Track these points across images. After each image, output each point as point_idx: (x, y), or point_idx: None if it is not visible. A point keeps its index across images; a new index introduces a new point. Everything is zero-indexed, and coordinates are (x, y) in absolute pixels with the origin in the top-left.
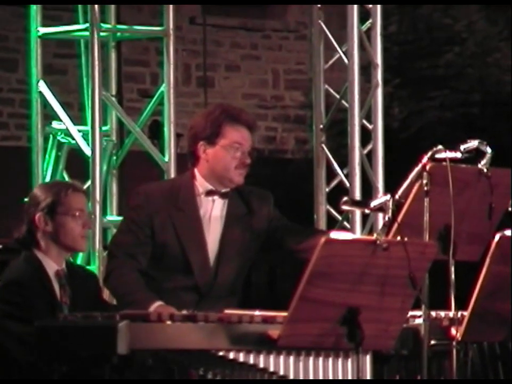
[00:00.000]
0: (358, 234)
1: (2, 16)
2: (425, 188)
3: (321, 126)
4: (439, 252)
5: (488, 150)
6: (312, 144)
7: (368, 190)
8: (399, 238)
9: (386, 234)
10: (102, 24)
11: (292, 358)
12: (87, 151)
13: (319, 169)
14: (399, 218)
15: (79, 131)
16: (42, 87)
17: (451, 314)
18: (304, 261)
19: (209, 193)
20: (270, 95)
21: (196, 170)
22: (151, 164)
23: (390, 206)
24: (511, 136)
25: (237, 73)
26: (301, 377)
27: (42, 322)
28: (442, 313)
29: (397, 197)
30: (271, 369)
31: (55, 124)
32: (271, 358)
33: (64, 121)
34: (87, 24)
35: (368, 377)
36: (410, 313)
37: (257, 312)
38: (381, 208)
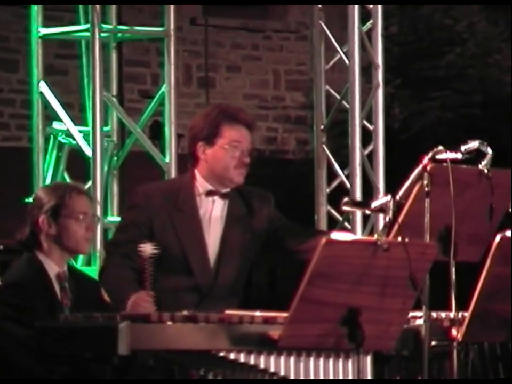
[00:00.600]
0: (358, 235)
1: (3, 16)
2: (426, 189)
3: (322, 127)
4: (439, 253)
5: (489, 150)
6: (313, 145)
7: (369, 190)
8: (399, 238)
9: (387, 235)
10: (103, 25)
11: (292, 359)
12: (88, 151)
13: (319, 169)
14: (400, 219)
15: (80, 131)
16: (43, 87)
17: (452, 315)
18: (304, 262)
19: (209, 193)
20: (270, 95)
21: (196, 171)
22: (152, 165)
23: (391, 206)
24: None
25: (238, 73)
26: (302, 378)
27: (43, 322)
28: (443, 314)
29: (397, 197)
30: (272, 370)
31: (56, 125)
32: (272, 358)
33: (65, 122)
34: (88, 25)
35: (369, 378)
36: (411, 314)
37: (258, 313)
38: (382, 209)
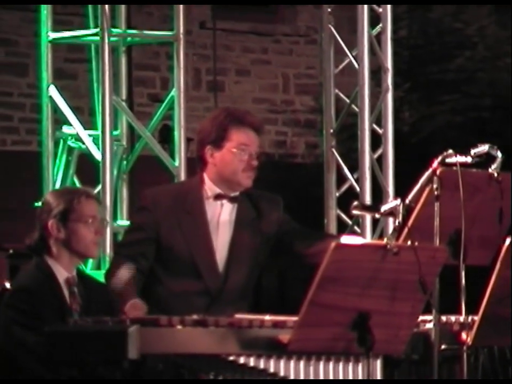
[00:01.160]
0: (368, 239)
1: (13, 21)
2: (436, 192)
3: (332, 131)
4: (449, 257)
5: (499, 154)
6: (322, 149)
7: (378, 194)
8: (409, 242)
9: (396, 239)
10: (113, 29)
11: (302, 363)
12: (98, 155)
13: (329, 173)
14: (410, 222)
15: (90, 136)
16: (53, 91)
17: (461, 319)
18: (314, 266)
19: (218, 197)
20: (280, 99)
21: (204, 174)
22: (161, 169)
23: (400, 210)
24: None
25: (247, 77)
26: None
27: (52, 327)
28: (452, 318)
29: (407, 201)
30: (282, 374)
31: (65, 129)
32: (282, 362)
33: (74, 126)
34: (98, 29)
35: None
36: (421, 317)
37: (267, 317)
38: (391, 212)
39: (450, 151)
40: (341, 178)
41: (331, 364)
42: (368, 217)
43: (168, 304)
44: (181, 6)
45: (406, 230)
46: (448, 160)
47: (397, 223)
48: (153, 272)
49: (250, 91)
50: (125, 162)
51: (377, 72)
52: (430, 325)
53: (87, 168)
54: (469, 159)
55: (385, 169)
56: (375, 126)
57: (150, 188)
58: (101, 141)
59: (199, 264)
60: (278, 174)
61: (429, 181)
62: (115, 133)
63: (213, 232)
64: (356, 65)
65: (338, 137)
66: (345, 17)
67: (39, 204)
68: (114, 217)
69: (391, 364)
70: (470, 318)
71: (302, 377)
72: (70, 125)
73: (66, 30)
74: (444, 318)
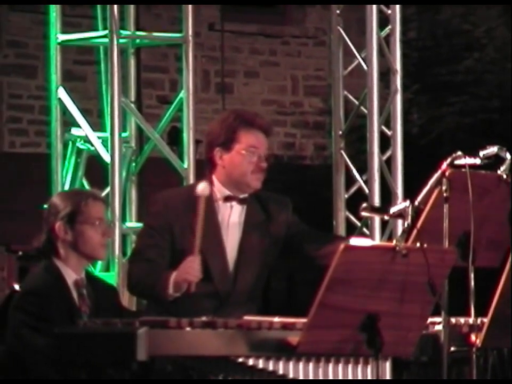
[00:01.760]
0: (377, 241)
1: (22, 23)
2: (445, 194)
3: (340, 132)
4: (458, 258)
5: (508, 156)
6: (331, 150)
7: (387, 196)
8: (418, 244)
9: (405, 241)
10: (121, 31)
11: (311, 365)
12: (106, 157)
13: (338, 175)
14: (419, 224)
15: (99, 137)
16: (62, 93)
17: (471, 320)
18: (323, 267)
19: (227, 199)
20: (289, 101)
21: (213, 177)
22: (170, 170)
23: (409, 212)
24: None
25: (256, 79)
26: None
27: (61, 329)
28: (462, 320)
29: (416, 203)
30: (291, 375)
31: (74, 131)
32: (291, 364)
33: (83, 128)
34: (107, 31)
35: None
36: (430, 319)
37: (276, 319)
38: (400, 214)
39: (459, 152)
40: (350, 180)
41: (340, 366)
42: (377, 219)
43: (177, 306)
44: (190, 8)
45: (415, 231)
46: (457, 162)
47: (405, 225)
48: None
49: (259, 93)
50: (133, 164)
51: (386, 74)
52: (439, 327)
53: (96, 170)
54: (477, 161)
55: (394, 171)
56: (384, 127)
57: (161, 192)
58: (109, 143)
59: (210, 266)
60: (287, 176)
61: (438, 182)
62: (124, 134)
63: (223, 234)
64: (365, 67)
65: (347, 139)
66: (354, 19)
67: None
68: (123, 219)
69: (400, 366)
70: (479, 320)
71: (311, 379)
72: (79, 126)
73: (75, 32)
74: (453, 320)
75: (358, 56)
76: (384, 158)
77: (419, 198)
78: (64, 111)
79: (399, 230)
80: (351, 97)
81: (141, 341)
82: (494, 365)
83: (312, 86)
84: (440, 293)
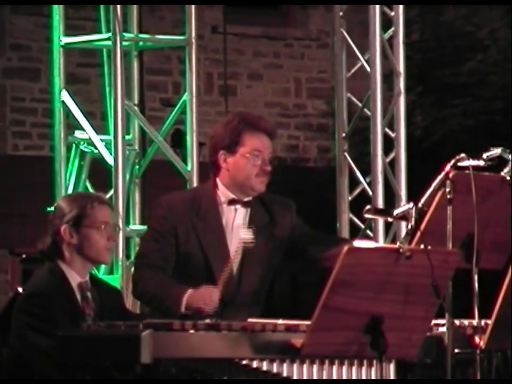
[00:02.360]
0: (381, 243)
1: (25, 26)
2: (448, 196)
3: (344, 135)
4: (462, 260)
5: (511, 157)
6: (334, 153)
7: (391, 198)
8: (422, 246)
9: (409, 243)
10: (125, 34)
11: (315, 367)
12: (110, 160)
13: (341, 177)
14: (422, 226)
15: (102, 140)
16: (65, 96)
17: (475, 322)
18: (327, 270)
19: (231, 202)
20: (292, 103)
21: (217, 180)
22: (174, 173)
23: (413, 214)
24: None
25: (259, 81)
26: None
27: (65, 331)
28: (466, 322)
29: (420, 205)
30: (295, 377)
31: (77, 133)
32: (295, 366)
33: (87, 131)
34: (110, 34)
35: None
36: (434, 321)
37: (280, 321)
38: (404, 216)
39: (462, 154)
40: (353, 182)
41: (344, 368)
42: (380, 221)
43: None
44: (193, 10)
45: (418, 233)
46: (460, 163)
47: (409, 227)
48: None
49: (262, 95)
50: (137, 166)
51: (389, 76)
52: (443, 329)
53: (100, 172)
54: (481, 163)
55: (398, 173)
56: (387, 129)
57: (164, 195)
58: (113, 146)
59: (214, 269)
60: (290, 178)
61: (442, 184)
62: (127, 137)
63: (228, 237)
64: (368, 69)
65: (351, 141)
66: (357, 21)
67: (52, 208)
68: (127, 221)
69: (404, 368)
70: (483, 322)
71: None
72: (82, 129)
73: (78, 35)
74: (457, 321)
75: (361, 58)
76: (388, 160)
77: (423, 200)
78: (68, 114)
79: (403, 232)
80: (354, 99)
81: (145, 344)
82: (498, 366)
83: (316, 88)
84: (444, 295)
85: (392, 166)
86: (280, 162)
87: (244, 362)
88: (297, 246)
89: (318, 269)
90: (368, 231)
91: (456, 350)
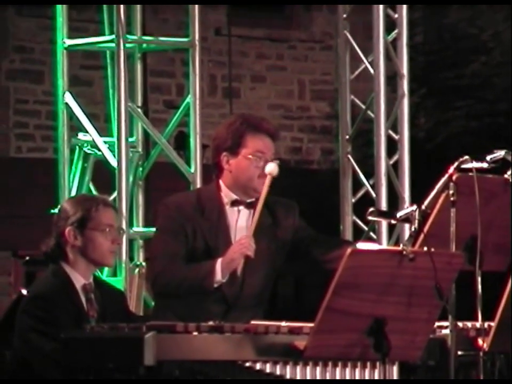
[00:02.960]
0: (384, 245)
1: (29, 28)
2: (452, 198)
3: (347, 137)
4: (465, 262)
5: None
6: (338, 155)
7: (394, 200)
8: (425, 248)
9: (412, 245)
10: (128, 36)
11: (318, 369)
12: (113, 162)
13: (345, 179)
14: (426, 228)
15: (105, 142)
16: (69, 98)
17: (478, 324)
18: (330, 272)
19: (234, 203)
20: (295, 105)
21: (220, 181)
22: (177, 175)
23: (416, 216)
24: None
25: (263, 84)
26: None
27: (69, 333)
28: (469, 324)
29: (423, 207)
30: (298, 379)
31: (81, 136)
32: (298, 368)
33: (90, 133)
34: (113, 36)
35: None
36: (437, 323)
37: (283, 323)
38: (407, 218)
39: (466, 156)
40: (357, 185)
41: (347, 370)
42: (384, 224)
43: (184, 311)
44: (197, 12)
45: (422, 236)
46: (464, 165)
47: (413, 229)
48: None
49: (265, 97)
50: (140, 169)
51: (392, 78)
52: (446, 331)
53: (103, 175)
54: (484, 165)
55: (401, 175)
56: (390, 132)
57: (169, 197)
58: (116, 148)
59: None
60: (294, 180)
61: (445, 186)
62: (131, 139)
63: (232, 238)
64: (372, 71)
65: (354, 143)
66: (360, 23)
67: (55, 210)
68: (130, 223)
69: (408, 370)
70: (486, 324)
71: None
72: (86, 131)
73: (81, 37)
74: (460, 324)
75: (365, 61)
76: (391, 162)
77: (426, 202)
78: (71, 116)
79: (406, 234)
80: (358, 101)
81: (148, 346)
82: (501, 368)
83: (319, 91)
84: (447, 297)
85: (395, 168)
86: (283, 165)
87: (247, 364)
88: (300, 248)
89: (321, 271)
90: (371, 233)
91: (459, 352)
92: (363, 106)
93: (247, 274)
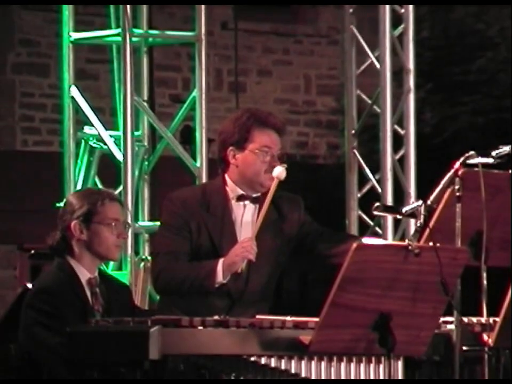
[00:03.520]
0: (389, 240)
1: (35, 21)
2: (457, 194)
3: (353, 131)
4: (471, 258)
5: None
6: (344, 150)
7: (400, 195)
8: (431, 243)
9: (418, 240)
10: (134, 30)
11: (323, 364)
12: (119, 156)
13: (351, 174)
14: (431, 224)
15: (111, 136)
16: (74, 92)
17: (483, 320)
18: (335, 266)
19: (240, 198)
20: (301, 100)
21: (226, 176)
22: (183, 169)
23: (422, 211)
24: None
25: (269, 78)
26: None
27: (74, 327)
28: (474, 319)
29: (429, 202)
30: (303, 374)
31: (87, 129)
32: (303, 363)
33: (96, 127)
34: (119, 30)
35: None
36: (442, 319)
37: (288, 318)
38: (413, 213)
39: (472, 152)
40: (363, 179)
41: (352, 365)
42: (389, 218)
43: (189, 305)
44: (203, 6)
45: (427, 231)
46: (469, 161)
47: (418, 224)
48: None
49: (271, 92)
50: (146, 163)
51: (399, 73)
52: (451, 326)
53: (109, 168)
54: (490, 160)
55: (407, 170)
56: (396, 127)
57: (175, 191)
58: (122, 142)
59: None
60: (300, 175)
61: (451, 182)
62: (136, 133)
63: (237, 233)
64: (378, 66)
65: (360, 138)
66: (367, 18)
67: (61, 204)
68: (136, 217)
69: (412, 365)
70: (491, 319)
71: (323, 378)
72: (92, 125)
73: (88, 31)
74: (465, 319)
75: (371, 55)
76: (397, 157)
77: (432, 197)
78: (77, 109)
79: (412, 229)
80: (364, 96)
81: (153, 340)
82: (506, 364)
83: (325, 85)
84: (453, 292)
85: (401, 163)
86: (289, 159)
87: (252, 359)
88: (306, 243)
89: (326, 266)
90: (377, 228)
91: (464, 348)
92: (369, 101)
93: (252, 269)
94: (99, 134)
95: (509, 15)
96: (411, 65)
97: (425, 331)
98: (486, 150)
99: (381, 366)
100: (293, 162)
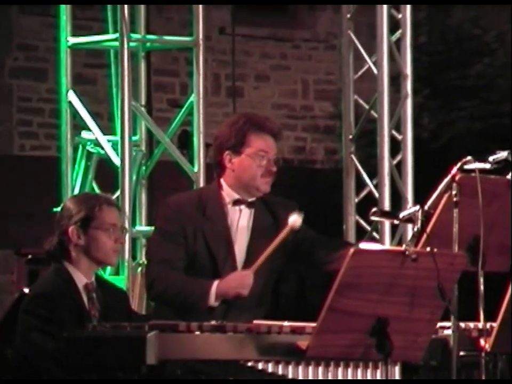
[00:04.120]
0: (387, 245)
1: (33, 26)
2: (455, 199)
3: (351, 136)
4: (468, 263)
5: None
6: (341, 155)
7: (397, 200)
8: (428, 248)
9: (415, 245)
10: (132, 34)
11: (320, 369)
12: (117, 161)
13: (348, 179)
14: (428, 229)
15: (109, 141)
16: (72, 97)
17: (480, 325)
18: (332, 272)
19: (236, 202)
20: (299, 105)
21: (222, 180)
22: (180, 174)
23: (419, 216)
24: None
25: (266, 83)
26: None
27: (71, 333)
28: (471, 324)
29: (426, 207)
30: (300, 379)
31: (84, 134)
32: (300, 368)
33: (93, 131)
34: (117, 34)
35: None
36: (439, 324)
37: (286, 323)
38: (410, 219)
39: (469, 157)
40: (360, 185)
41: (349, 370)
42: (387, 224)
43: (184, 309)
44: (201, 11)
45: (424, 236)
46: (467, 166)
47: (415, 230)
48: None
49: (269, 97)
50: (143, 167)
51: (396, 78)
52: (448, 331)
53: (106, 173)
54: (488, 166)
55: (404, 176)
56: (394, 132)
57: (171, 196)
58: (120, 147)
59: (220, 269)
60: (297, 179)
61: (448, 187)
62: (134, 138)
63: (232, 238)
64: (375, 71)
65: (358, 143)
66: (364, 23)
67: (58, 209)
68: (133, 222)
69: (410, 370)
70: (488, 325)
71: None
72: (89, 130)
73: (85, 35)
74: (462, 324)
75: (369, 61)
76: (395, 162)
77: (429, 202)
78: (74, 114)
79: (409, 234)
80: (361, 101)
81: (150, 345)
82: (503, 369)
83: (323, 90)
84: (450, 297)
85: (398, 168)
86: (287, 164)
87: (249, 364)
88: (301, 249)
89: (323, 271)
90: (374, 233)
91: (461, 353)
92: (367, 106)
93: None
94: (96, 139)
95: (506, 20)
96: (408, 70)
97: (423, 336)
98: (483, 156)
99: (378, 371)
100: (291, 167)
